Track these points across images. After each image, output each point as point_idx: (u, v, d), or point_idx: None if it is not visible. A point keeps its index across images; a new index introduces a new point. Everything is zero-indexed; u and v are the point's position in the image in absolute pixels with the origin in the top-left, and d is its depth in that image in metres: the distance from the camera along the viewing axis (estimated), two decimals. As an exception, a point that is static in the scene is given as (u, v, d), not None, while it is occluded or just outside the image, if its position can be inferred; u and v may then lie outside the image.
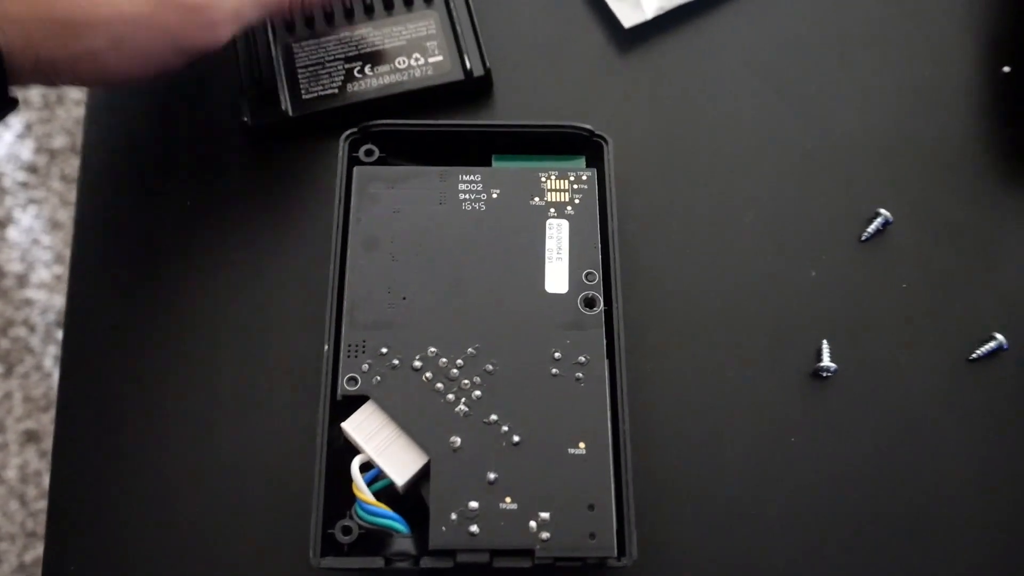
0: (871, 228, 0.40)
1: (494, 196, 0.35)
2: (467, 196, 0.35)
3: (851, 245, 0.40)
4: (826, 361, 0.38)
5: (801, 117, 0.43)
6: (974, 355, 0.38)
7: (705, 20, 0.44)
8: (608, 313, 0.34)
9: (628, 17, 0.43)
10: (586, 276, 0.34)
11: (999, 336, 0.38)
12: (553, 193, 0.35)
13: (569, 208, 0.35)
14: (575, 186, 0.36)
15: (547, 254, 0.34)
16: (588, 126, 0.37)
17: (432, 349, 0.33)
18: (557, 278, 0.34)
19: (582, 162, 0.37)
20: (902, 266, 0.40)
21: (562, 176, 0.36)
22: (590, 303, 0.34)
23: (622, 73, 0.43)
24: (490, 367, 0.32)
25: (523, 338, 0.33)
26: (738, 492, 0.36)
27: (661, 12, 0.43)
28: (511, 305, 0.33)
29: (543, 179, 0.36)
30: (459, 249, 0.34)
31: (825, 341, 0.38)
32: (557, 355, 0.33)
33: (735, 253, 0.40)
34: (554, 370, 0.32)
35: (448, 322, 0.33)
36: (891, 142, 0.42)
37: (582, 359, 0.33)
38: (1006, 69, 0.44)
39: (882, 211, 0.40)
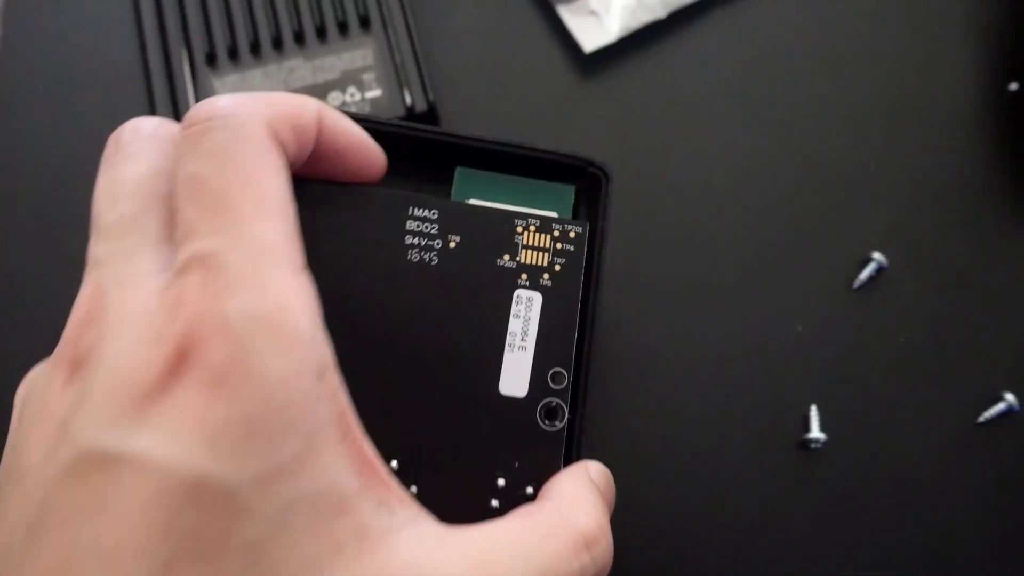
0: (864, 274, 0.36)
1: (451, 245, 0.26)
2: (416, 240, 0.25)
3: (842, 294, 0.36)
4: (815, 431, 0.34)
5: (784, 149, 0.38)
6: (982, 418, 0.34)
7: (673, 40, 0.40)
8: (570, 423, 0.25)
9: (590, 40, 0.39)
10: (552, 377, 0.25)
11: (1009, 396, 0.34)
12: (529, 252, 0.26)
13: (546, 277, 0.26)
14: (558, 245, 0.26)
15: (509, 339, 0.25)
16: (586, 156, 0.28)
17: None
18: (516, 375, 0.25)
19: (571, 195, 0.28)
20: (899, 317, 0.35)
21: (544, 229, 0.26)
22: (551, 415, 0.25)
23: (583, 104, 0.39)
24: (415, 489, 0.24)
25: (462, 454, 0.25)
26: (716, 586, 0.32)
27: (626, 33, 0.39)
28: (453, 407, 0.25)
29: (519, 229, 0.26)
30: (395, 317, 0.25)
31: (814, 407, 0.34)
32: (501, 482, 0.24)
33: (709, 307, 0.36)
34: (494, 502, 0.25)
35: (371, 418, 0.24)
36: (885, 175, 0.38)
37: (529, 490, 0.25)
38: (1013, 86, 0.39)
39: (876, 255, 0.36)
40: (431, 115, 0.37)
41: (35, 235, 0.37)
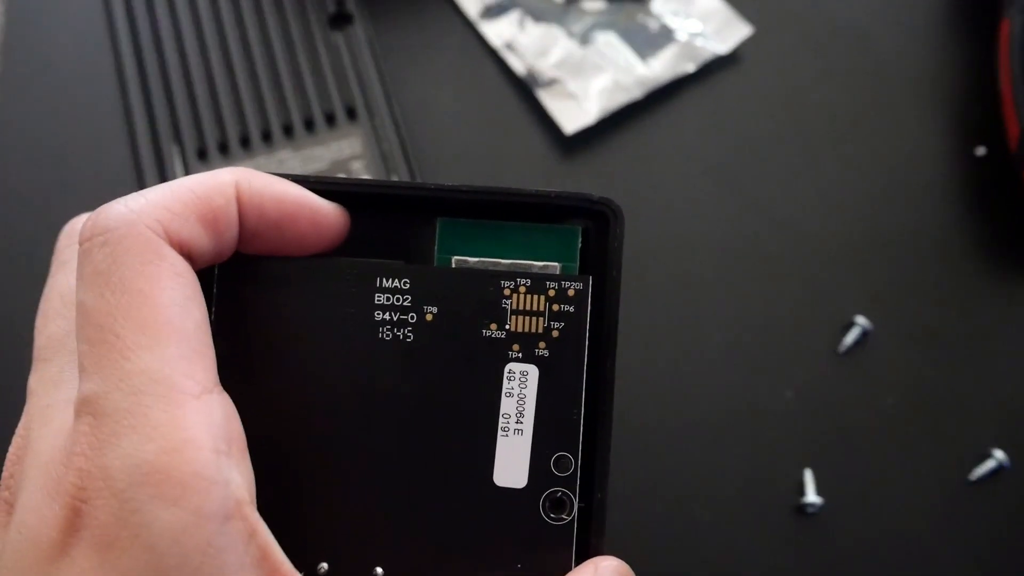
0: (848, 339, 0.37)
1: (428, 318, 0.22)
2: (387, 315, 0.22)
3: (829, 359, 0.37)
4: (811, 496, 0.34)
5: (762, 219, 0.39)
6: (974, 476, 0.35)
7: (650, 119, 0.41)
8: (585, 512, 0.22)
9: (570, 122, 0.40)
10: (556, 463, 0.22)
11: (999, 453, 0.34)
12: (520, 319, 0.22)
13: (543, 346, 0.22)
14: (555, 307, 0.22)
15: (501, 423, 0.22)
16: (589, 193, 0.24)
17: (324, 566, 0.21)
18: (513, 464, 0.22)
19: (575, 238, 0.24)
20: (886, 379, 0.36)
21: (536, 290, 0.22)
22: (557, 507, 0.22)
23: (565, 183, 0.40)
24: None
25: (454, 558, 0.22)
26: (723, 658, 0.32)
27: (605, 114, 0.40)
28: (441, 504, 0.22)
29: (507, 291, 0.22)
30: (368, 406, 0.22)
31: (808, 471, 0.35)
32: None
33: (699, 378, 0.36)
34: None
35: (350, 524, 0.22)
36: (863, 241, 0.39)
37: None
38: (980, 151, 0.40)
39: (859, 319, 0.37)
40: (419, 200, 0.38)
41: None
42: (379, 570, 0.21)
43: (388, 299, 0.22)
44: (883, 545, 0.34)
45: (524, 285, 0.22)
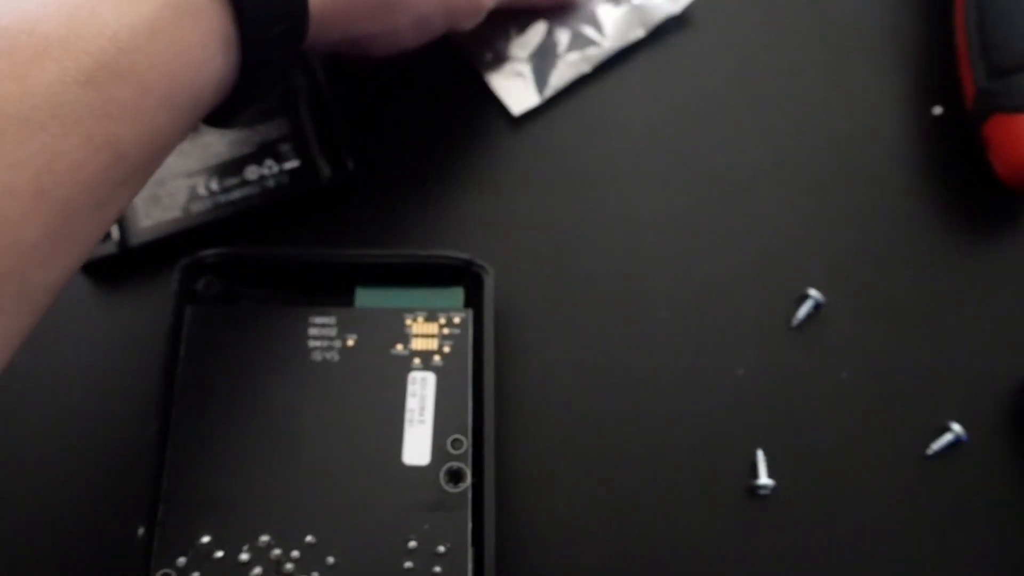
0: (801, 312, 0.35)
1: (350, 344, 0.30)
2: (318, 343, 0.30)
3: (781, 334, 0.35)
4: (763, 478, 0.33)
5: (713, 189, 0.38)
6: (931, 450, 0.34)
7: (599, 90, 0.39)
8: (477, 487, 0.28)
9: (517, 103, 0.38)
10: (452, 443, 0.29)
11: (956, 427, 0.33)
12: (420, 340, 0.30)
13: (437, 358, 0.30)
14: (446, 331, 0.30)
15: (407, 416, 0.29)
16: (464, 255, 0.32)
17: (265, 537, 0.27)
18: (417, 446, 0.29)
19: (460, 295, 0.32)
20: (840, 353, 0.35)
21: (431, 319, 0.31)
22: (455, 477, 0.28)
23: (514, 161, 0.38)
24: (331, 560, 0.27)
25: (373, 523, 0.27)
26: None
27: (554, 93, 0.38)
28: (361, 480, 0.28)
29: (408, 322, 0.30)
30: (306, 408, 0.29)
31: (760, 452, 0.33)
32: (412, 544, 0.27)
33: (647, 357, 0.35)
34: (407, 564, 0.27)
35: (287, 501, 0.28)
36: (815, 210, 0.37)
37: (441, 549, 0.27)
38: (937, 110, 0.39)
39: (811, 291, 0.35)
40: (352, 183, 0.36)
41: None
42: (309, 537, 0.27)
43: (319, 332, 0.30)
44: (839, 525, 0.33)
45: (422, 316, 0.31)
